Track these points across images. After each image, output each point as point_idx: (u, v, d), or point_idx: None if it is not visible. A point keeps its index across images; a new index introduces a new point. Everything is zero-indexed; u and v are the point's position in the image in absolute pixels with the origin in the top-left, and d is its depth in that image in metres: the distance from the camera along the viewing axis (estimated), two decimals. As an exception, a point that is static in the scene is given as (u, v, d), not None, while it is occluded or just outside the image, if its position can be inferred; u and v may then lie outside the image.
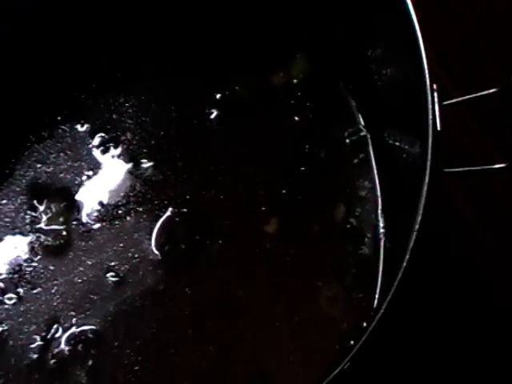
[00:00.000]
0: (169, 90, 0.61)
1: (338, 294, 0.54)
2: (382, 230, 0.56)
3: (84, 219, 0.57)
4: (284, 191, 0.57)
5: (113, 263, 0.56)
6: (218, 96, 0.60)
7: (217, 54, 0.61)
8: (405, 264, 0.43)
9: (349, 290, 0.54)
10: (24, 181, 0.59)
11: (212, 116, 0.59)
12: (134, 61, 0.61)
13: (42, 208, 0.58)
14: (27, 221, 0.57)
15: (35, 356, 0.53)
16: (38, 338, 0.54)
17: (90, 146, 0.59)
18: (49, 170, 0.59)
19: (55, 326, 0.54)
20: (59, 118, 0.60)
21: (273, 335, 0.54)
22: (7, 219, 0.58)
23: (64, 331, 0.54)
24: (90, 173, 0.58)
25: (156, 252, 0.56)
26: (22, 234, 0.57)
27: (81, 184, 0.58)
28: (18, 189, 0.58)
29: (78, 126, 0.60)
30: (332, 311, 0.54)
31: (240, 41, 0.61)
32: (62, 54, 0.61)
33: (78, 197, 0.58)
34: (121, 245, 0.56)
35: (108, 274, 0.56)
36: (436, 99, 0.44)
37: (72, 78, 0.61)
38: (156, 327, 0.54)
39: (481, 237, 0.60)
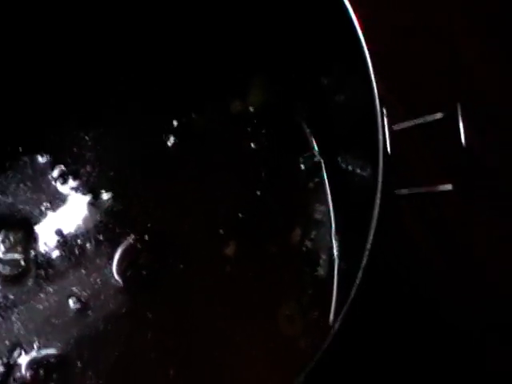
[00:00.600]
0: (127, 120, 0.61)
1: (295, 313, 0.56)
2: (336, 252, 0.57)
3: (42, 248, 0.57)
4: (240, 215, 0.58)
5: (74, 289, 0.56)
6: (175, 123, 0.61)
7: (174, 82, 0.62)
8: (358, 282, 0.44)
9: (305, 309, 0.56)
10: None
11: (169, 143, 0.61)
12: (92, 92, 0.62)
13: (-1, 238, 0.58)
14: (-16, 251, 0.57)
15: (-4, 382, 0.54)
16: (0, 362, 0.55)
17: (50, 177, 0.59)
18: (8, 200, 0.59)
19: (17, 351, 0.55)
20: (20, 149, 0.60)
21: (232, 357, 0.55)
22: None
23: (25, 356, 0.54)
24: (49, 204, 0.59)
25: (118, 278, 0.57)
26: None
27: (40, 215, 0.58)
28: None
29: (39, 157, 0.60)
30: (290, 331, 0.55)
31: (197, 69, 0.62)
32: (25, 85, 0.61)
33: (36, 227, 0.58)
34: (82, 271, 0.57)
35: (70, 300, 0.56)
36: (386, 123, 0.46)
37: (35, 109, 0.61)
38: (119, 351, 0.55)
39: (427, 255, 0.62)
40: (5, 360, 0.55)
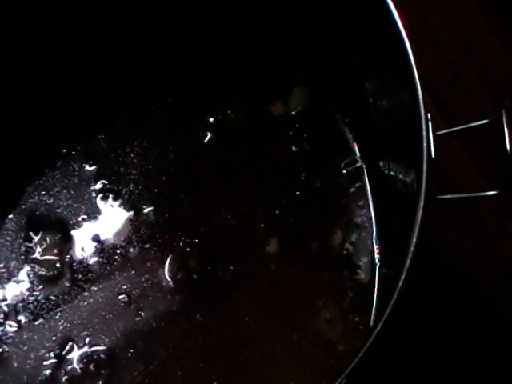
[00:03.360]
0: (167, 127, 0.62)
1: (335, 316, 0.56)
2: (377, 256, 0.57)
3: (79, 253, 0.58)
4: (277, 211, 0.59)
5: (124, 287, 0.57)
6: (211, 120, 0.61)
7: (215, 80, 0.62)
8: (401, 283, 0.44)
9: (346, 313, 0.56)
10: (26, 205, 0.59)
11: (206, 140, 0.61)
12: (135, 100, 0.62)
13: (36, 239, 0.58)
14: (22, 250, 0.58)
15: (48, 372, 0.55)
16: (52, 354, 0.55)
17: (92, 189, 0.60)
18: (48, 201, 0.59)
19: (69, 345, 0.55)
20: (73, 152, 0.61)
21: (272, 359, 0.55)
22: (6, 246, 0.58)
23: (77, 350, 0.55)
24: (86, 216, 0.59)
25: (169, 279, 0.57)
26: (18, 262, 0.58)
27: (76, 224, 0.59)
28: (19, 215, 0.59)
29: (87, 166, 0.60)
30: (329, 334, 0.56)
31: (239, 69, 0.62)
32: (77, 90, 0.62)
33: (73, 233, 0.59)
34: (132, 272, 0.57)
35: (119, 296, 0.57)
36: (430, 128, 0.46)
37: (89, 116, 0.62)
38: (169, 352, 0.55)
39: (467, 262, 0.62)
40: (57, 352, 0.55)
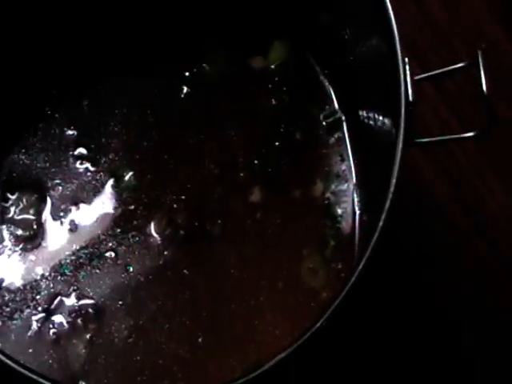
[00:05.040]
0: (145, 90, 0.61)
1: (318, 265, 0.57)
2: (357, 205, 0.58)
3: (57, 215, 0.58)
4: (256, 161, 0.59)
5: (110, 244, 0.57)
6: (187, 74, 0.62)
7: (191, 35, 0.62)
8: (380, 225, 0.45)
9: (329, 261, 0.57)
10: (6, 162, 0.59)
11: (182, 95, 0.61)
12: (117, 65, 0.62)
13: (13, 199, 0.58)
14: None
15: (36, 326, 0.55)
16: (40, 309, 0.56)
17: (70, 155, 0.59)
18: (26, 161, 0.59)
19: (57, 300, 0.56)
20: (56, 116, 0.60)
21: (257, 308, 0.56)
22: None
23: (65, 305, 0.56)
24: (62, 181, 0.59)
25: (156, 236, 0.58)
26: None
27: (53, 187, 0.59)
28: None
29: (68, 131, 0.60)
30: (313, 282, 0.56)
31: (218, 22, 0.62)
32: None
33: (50, 195, 0.58)
34: (118, 230, 0.58)
35: (106, 254, 0.57)
36: (408, 72, 0.47)
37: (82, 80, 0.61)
38: (154, 308, 0.56)
39: (444, 204, 0.64)
40: (45, 306, 0.56)
